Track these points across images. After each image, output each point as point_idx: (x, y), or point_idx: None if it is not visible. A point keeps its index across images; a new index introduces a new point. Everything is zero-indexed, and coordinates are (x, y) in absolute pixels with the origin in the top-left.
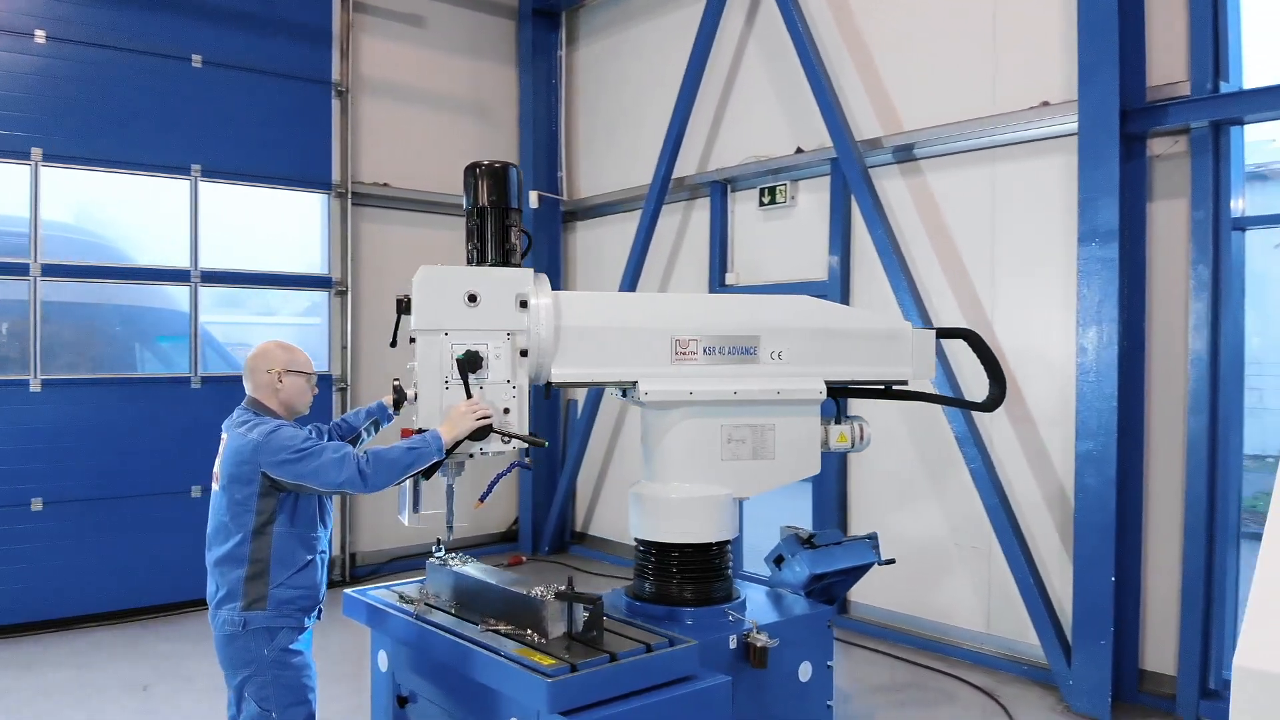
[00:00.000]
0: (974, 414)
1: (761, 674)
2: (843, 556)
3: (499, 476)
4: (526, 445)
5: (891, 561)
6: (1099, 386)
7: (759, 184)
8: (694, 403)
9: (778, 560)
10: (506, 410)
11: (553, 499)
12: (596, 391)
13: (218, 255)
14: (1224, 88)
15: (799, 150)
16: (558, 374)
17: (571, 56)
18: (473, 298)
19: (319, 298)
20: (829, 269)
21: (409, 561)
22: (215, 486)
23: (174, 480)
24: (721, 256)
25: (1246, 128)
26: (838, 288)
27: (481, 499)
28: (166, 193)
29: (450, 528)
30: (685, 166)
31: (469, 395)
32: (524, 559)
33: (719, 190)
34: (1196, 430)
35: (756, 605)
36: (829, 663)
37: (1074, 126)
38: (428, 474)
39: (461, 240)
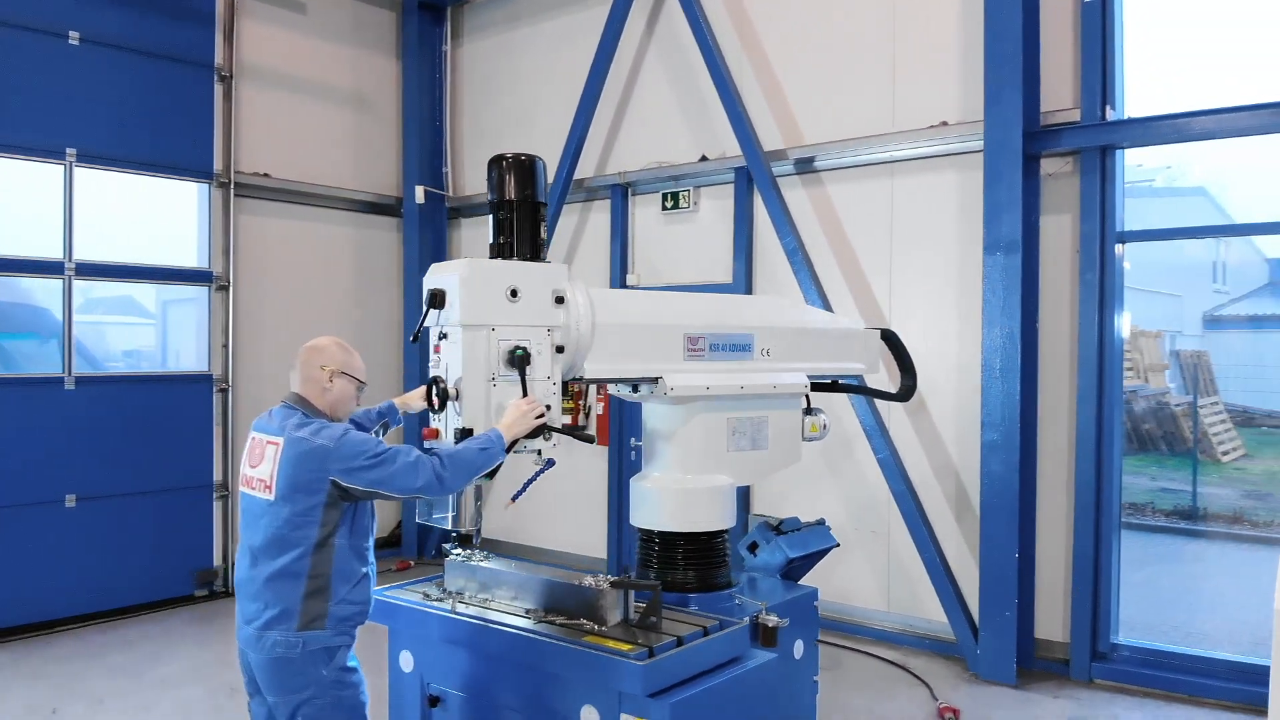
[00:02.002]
0: (879, 408)
1: None
2: (812, 540)
3: (535, 475)
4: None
5: (837, 544)
6: (1003, 383)
7: (661, 189)
8: (709, 396)
9: (752, 547)
10: (548, 407)
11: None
12: None
13: (89, 246)
14: (1110, 115)
15: (704, 158)
16: (591, 369)
17: (456, 52)
18: (514, 293)
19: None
20: (733, 273)
21: None
22: (260, 494)
23: (46, 489)
24: (623, 257)
25: (1127, 151)
26: (741, 291)
27: (514, 499)
28: (28, 178)
29: (478, 530)
30: (584, 168)
31: (525, 393)
32: (411, 564)
33: (620, 193)
34: (1085, 423)
35: (748, 589)
36: (815, 640)
37: (969, 145)
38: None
39: (341, 234)
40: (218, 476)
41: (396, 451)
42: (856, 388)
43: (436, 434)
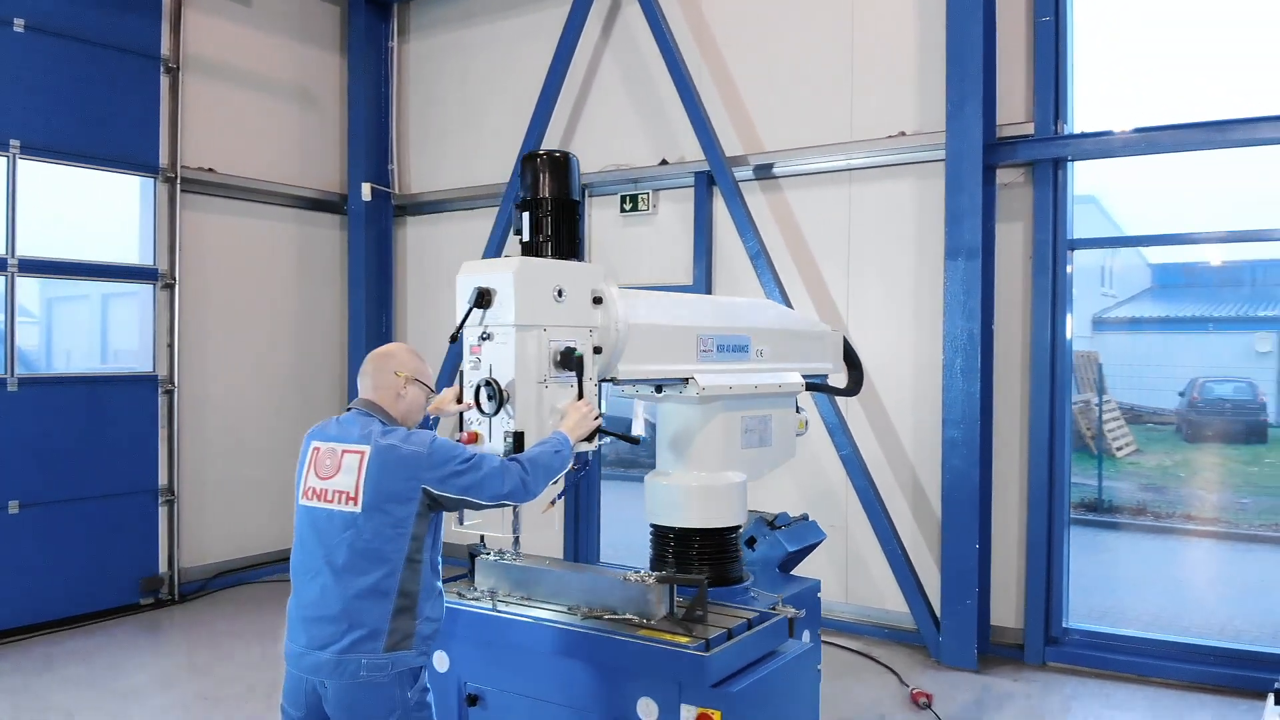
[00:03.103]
0: (841, 407)
1: None
2: (806, 535)
3: (574, 479)
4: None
5: (826, 537)
6: (963, 381)
7: (620, 191)
8: (728, 396)
9: (750, 541)
10: None
11: None
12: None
13: (28, 242)
14: (1063, 130)
15: (664, 162)
16: (625, 370)
17: (403, 49)
18: (560, 293)
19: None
20: (693, 275)
21: (237, 575)
22: (341, 507)
23: None
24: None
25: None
26: (702, 293)
27: (552, 502)
28: None
29: (518, 537)
30: None
31: (581, 394)
32: None
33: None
34: (1039, 420)
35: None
36: (819, 630)
37: (926, 155)
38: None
39: (284, 231)
40: (163, 481)
41: (483, 456)
42: (813, 385)
43: (477, 438)
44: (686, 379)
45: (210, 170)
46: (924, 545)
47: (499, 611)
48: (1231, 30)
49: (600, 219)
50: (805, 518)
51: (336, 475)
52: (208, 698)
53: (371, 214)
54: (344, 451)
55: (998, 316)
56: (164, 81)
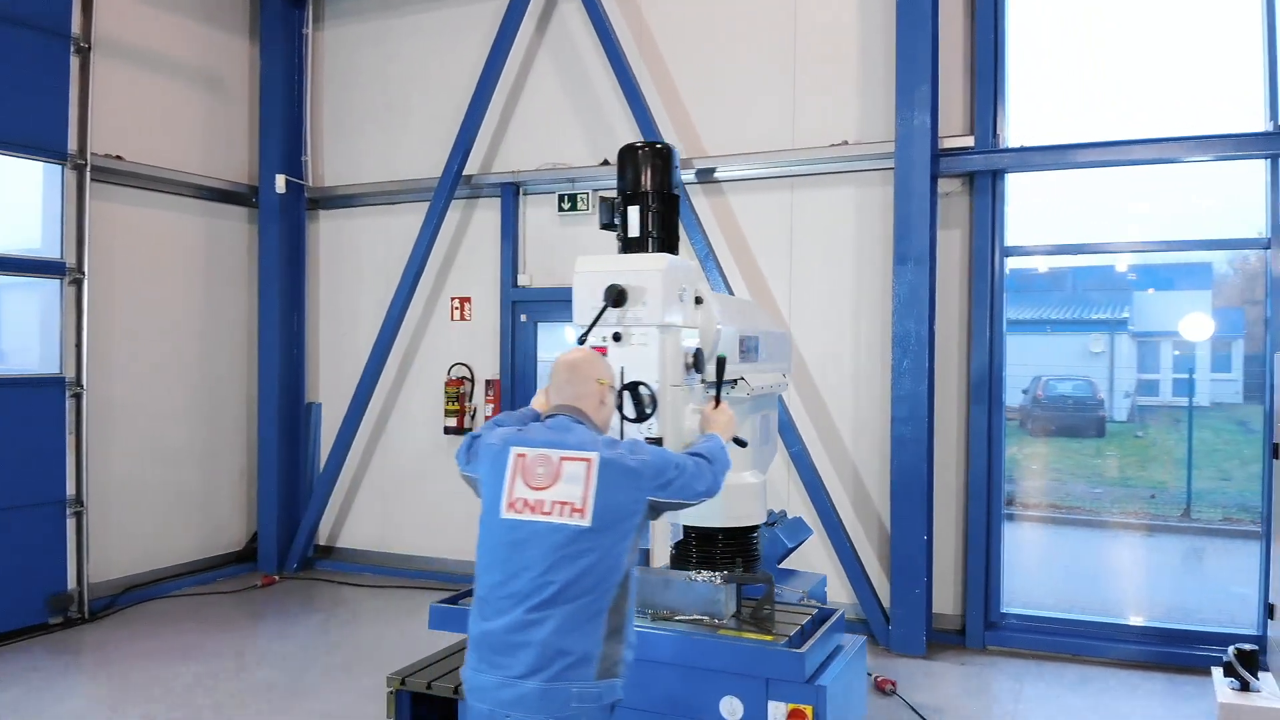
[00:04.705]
0: (789, 404)
1: None
2: (799, 531)
3: None
4: None
5: (813, 533)
6: (911, 381)
7: (557, 190)
8: (762, 394)
9: None
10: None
11: (301, 512)
12: (365, 392)
13: None
14: (1000, 142)
15: (605, 162)
16: (709, 373)
17: (318, 36)
18: (683, 293)
19: None
20: None
21: (146, 590)
22: (565, 520)
23: None
24: (513, 258)
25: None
26: None
27: None
28: None
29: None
30: (469, 165)
31: (719, 399)
32: (276, 579)
33: (510, 192)
34: (978, 418)
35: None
36: None
37: (868, 164)
38: None
39: (191, 223)
40: (71, 491)
41: (682, 455)
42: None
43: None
44: (735, 380)
45: (119, 158)
46: (864, 537)
47: None
48: (1165, 49)
49: (535, 218)
50: (784, 513)
51: (555, 484)
52: None
53: (284, 207)
54: (563, 459)
55: (943, 317)
56: (74, 62)
